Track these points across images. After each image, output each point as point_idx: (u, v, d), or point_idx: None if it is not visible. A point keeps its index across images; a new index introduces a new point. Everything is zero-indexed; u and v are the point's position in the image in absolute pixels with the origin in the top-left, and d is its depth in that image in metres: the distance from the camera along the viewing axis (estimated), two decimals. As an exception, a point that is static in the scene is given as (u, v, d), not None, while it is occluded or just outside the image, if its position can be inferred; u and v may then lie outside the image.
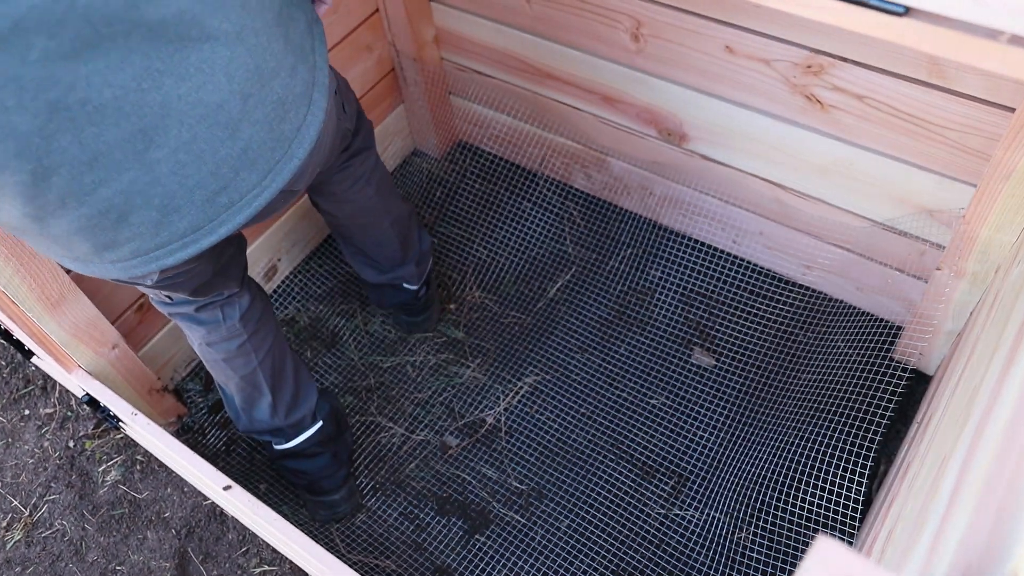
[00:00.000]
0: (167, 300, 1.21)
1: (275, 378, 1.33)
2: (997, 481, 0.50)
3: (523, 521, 1.44)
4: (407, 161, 1.98)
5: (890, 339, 1.51)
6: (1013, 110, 1.12)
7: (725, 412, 1.51)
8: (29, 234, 0.90)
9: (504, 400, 1.58)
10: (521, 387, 1.59)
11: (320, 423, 1.41)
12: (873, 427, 1.40)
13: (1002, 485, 0.48)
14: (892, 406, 1.41)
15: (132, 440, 1.63)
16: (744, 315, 1.62)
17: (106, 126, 0.78)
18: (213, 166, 0.86)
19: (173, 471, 1.58)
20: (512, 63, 1.68)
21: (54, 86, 0.74)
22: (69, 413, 1.69)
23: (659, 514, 1.42)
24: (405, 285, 1.58)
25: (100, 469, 1.61)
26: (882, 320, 1.54)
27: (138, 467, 1.60)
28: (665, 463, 1.47)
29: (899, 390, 1.42)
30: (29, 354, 1.42)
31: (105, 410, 1.36)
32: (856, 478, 1.35)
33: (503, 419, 1.55)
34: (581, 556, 1.39)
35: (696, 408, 1.53)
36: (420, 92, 1.83)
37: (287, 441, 1.39)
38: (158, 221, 0.87)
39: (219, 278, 1.17)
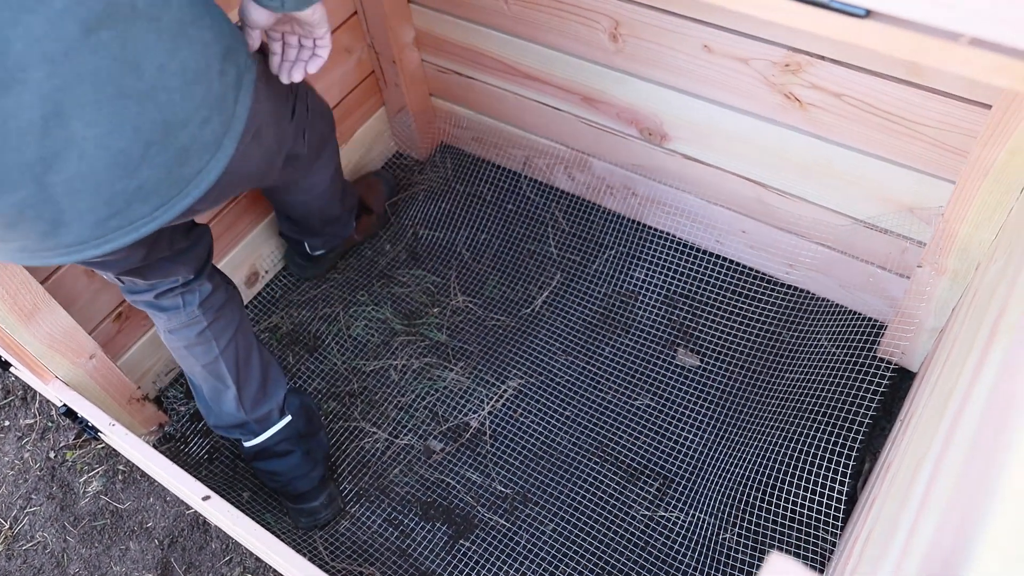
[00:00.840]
0: (121, 284, 1.24)
1: (239, 370, 1.36)
2: (963, 488, 0.50)
3: (508, 525, 1.43)
4: (389, 164, 1.97)
5: (874, 336, 1.51)
6: (990, 107, 1.11)
7: (710, 412, 1.51)
8: None
9: (488, 404, 1.57)
10: (505, 390, 1.58)
11: (289, 417, 1.41)
12: (857, 425, 1.39)
13: (967, 492, 0.48)
14: (876, 404, 1.40)
15: (114, 450, 1.62)
16: (728, 315, 1.62)
17: (7, 149, 0.82)
18: (108, 196, 0.90)
19: (155, 480, 1.56)
20: (492, 64, 1.67)
21: None
22: (50, 424, 1.68)
23: (644, 516, 1.42)
24: (307, 247, 1.71)
25: (81, 480, 1.60)
26: (866, 317, 1.54)
27: (120, 477, 1.59)
28: (650, 465, 1.47)
29: (883, 387, 1.42)
30: (7, 365, 1.40)
31: (83, 421, 1.35)
32: (840, 477, 1.35)
33: (487, 423, 1.55)
34: (566, 560, 1.39)
35: (681, 409, 1.52)
36: (401, 95, 1.82)
37: (255, 436, 1.40)
38: (46, 232, 0.91)
39: (167, 264, 1.21)
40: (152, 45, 0.86)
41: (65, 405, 1.35)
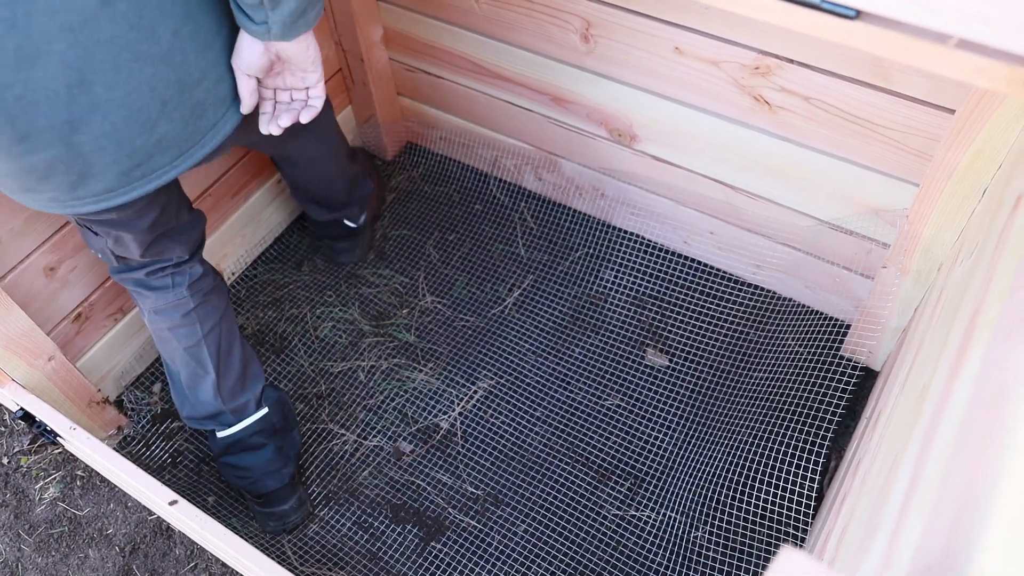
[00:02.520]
0: (114, 260, 1.27)
1: (220, 358, 1.35)
2: (952, 483, 0.50)
3: (479, 527, 1.43)
4: (356, 163, 1.95)
5: (839, 336, 1.54)
6: (953, 111, 1.14)
7: (679, 412, 1.52)
8: None
9: (458, 405, 1.56)
10: (475, 391, 1.57)
11: (265, 410, 1.40)
12: (825, 423, 1.42)
13: (958, 486, 0.49)
14: (843, 402, 1.43)
15: (71, 455, 1.57)
16: (696, 315, 1.63)
17: (37, 115, 0.90)
18: (130, 151, 0.98)
19: (115, 486, 1.52)
20: (462, 64, 1.66)
21: None
22: (3, 429, 1.62)
23: (615, 516, 1.42)
24: (346, 222, 1.69)
25: (37, 486, 1.54)
26: (831, 318, 1.57)
27: (78, 483, 1.54)
28: (621, 464, 1.47)
29: (849, 386, 1.44)
30: (-41, 368, 1.35)
31: (41, 425, 1.30)
32: (808, 474, 1.37)
33: (457, 424, 1.54)
34: (538, 560, 1.39)
35: (650, 409, 1.53)
36: (368, 93, 1.80)
37: (229, 427, 1.38)
38: (75, 183, 0.99)
39: (166, 240, 1.25)
40: (168, 11, 0.92)
41: (22, 409, 1.31)
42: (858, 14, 0.54)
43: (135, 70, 0.92)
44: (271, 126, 1.10)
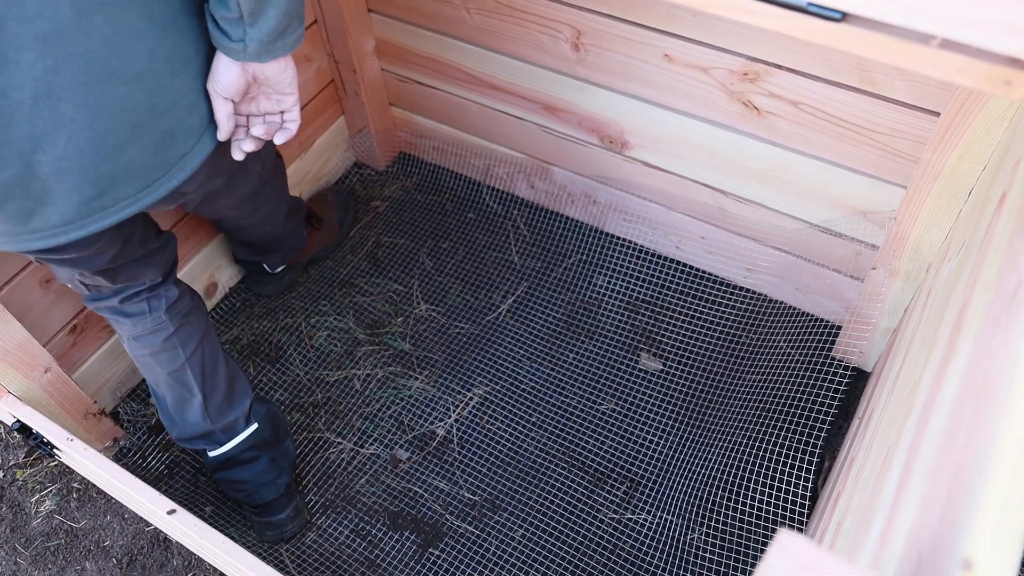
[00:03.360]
0: (85, 290, 1.23)
1: (205, 377, 1.33)
2: (943, 470, 0.52)
3: (477, 532, 1.43)
4: (349, 174, 1.96)
5: (830, 338, 1.55)
6: (938, 114, 1.16)
7: (673, 415, 1.53)
8: None
9: (454, 412, 1.57)
10: (471, 398, 1.58)
11: (255, 425, 1.39)
12: (817, 424, 1.43)
13: (948, 473, 0.50)
14: (835, 403, 1.44)
15: (68, 468, 1.57)
16: (689, 319, 1.65)
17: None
18: (93, 177, 0.92)
19: (112, 498, 1.52)
20: (453, 73, 1.68)
21: None
22: (-2, 442, 1.62)
23: (612, 519, 1.43)
24: (265, 266, 1.69)
25: (33, 499, 1.54)
26: (822, 320, 1.58)
27: (75, 495, 1.54)
28: (616, 468, 1.48)
29: (841, 387, 1.46)
30: (-46, 381, 1.35)
31: (38, 437, 1.31)
32: (803, 474, 1.38)
33: (454, 430, 1.54)
34: (536, 565, 1.39)
35: (645, 412, 1.54)
36: (361, 104, 1.82)
37: (220, 446, 1.37)
38: (30, 211, 0.93)
39: (137, 265, 1.21)
40: (144, 29, 0.87)
41: (18, 421, 1.31)
42: (844, 16, 0.56)
43: (106, 89, 0.87)
44: (235, 151, 1.06)
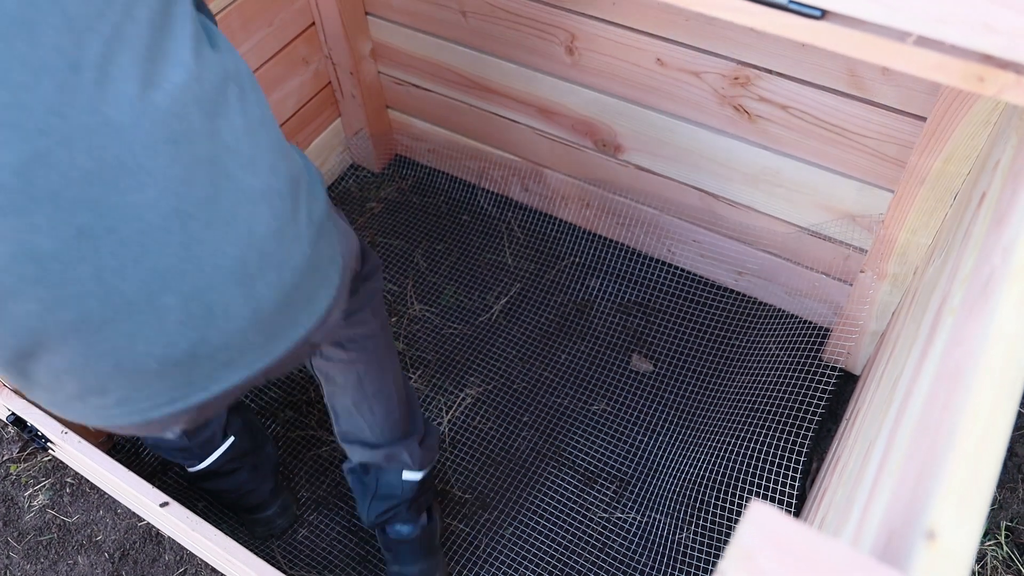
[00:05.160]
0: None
1: None
2: (916, 454, 0.53)
3: (467, 530, 1.44)
4: (344, 176, 1.98)
5: (819, 341, 1.57)
6: (925, 119, 1.18)
7: (663, 416, 1.55)
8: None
9: (448, 412, 1.58)
10: (464, 398, 1.59)
11: (232, 439, 1.37)
12: (805, 426, 1.45)
13: (920, 457, 0.51)
14: (822, 405, 1.46)
15: (61, 462, 1.57)
16: (680, 322, 1.66)
17: (127, 260, 0.71)
18: (222, 321, 0.78)
19: (105, 492, 1.53)
20: (449, 76, 1.69)
21: (87, 210, 0.68)
22: (-8, 437, 1.62)
23: (602, 518, 1.44)
24: (405, 475, 1.29)
25: (26, 494, 1.55)
26: (811, 323, 1.60)
27: (68, 490, 1.55)
28: (607, 468, 1.50)
29: (828, 390, 1.47)
30: (-50, 374, 1.36)
31: (32, 430, 1.31)
32: (791, 474, 1.39)
33: (446, 430, 1.55)
34: (526, 563, 1.40)
35: (635, 413, 1.55)
36: (357, 106, 1.84)
37: (199, 462, 1.35)
38: (156, 371, 0.78)
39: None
40: (268, 146, 0.78)
41: (13, 414, 1.31)
42: (824, 14, 0.58)
43: (234, 203, 0.75)
44: None
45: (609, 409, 1.56)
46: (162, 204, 0.70)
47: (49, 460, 1.58)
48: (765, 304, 1.65)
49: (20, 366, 0.78)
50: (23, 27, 0.63)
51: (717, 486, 1.44)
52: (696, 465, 1.47)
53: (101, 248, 0.69)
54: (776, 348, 1.57)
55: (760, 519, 0.39)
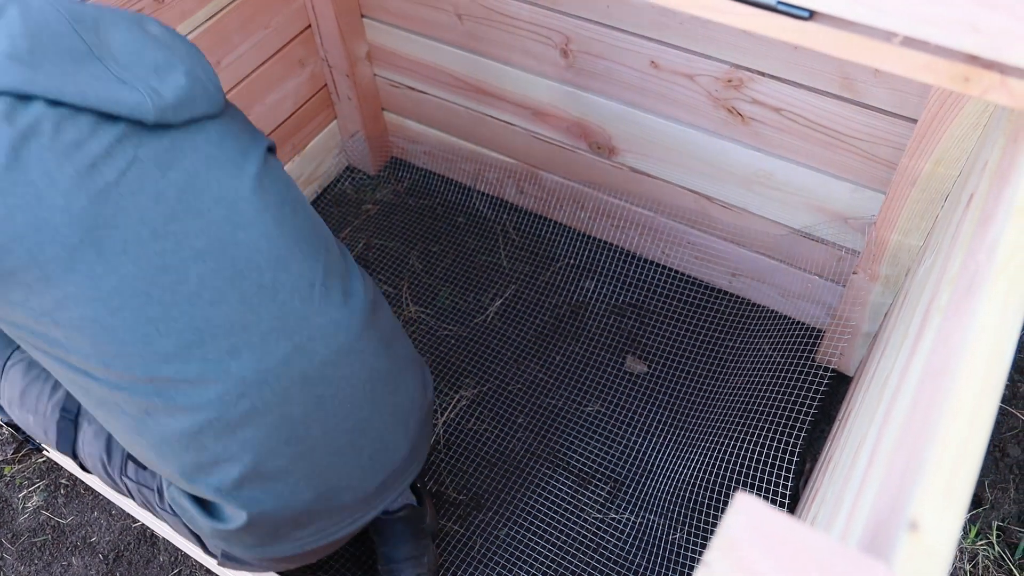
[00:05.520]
0: None
1: None
2: (902, 449, 0.54)
3: (461, 531, 1.44)
4: (340, 178, 1.98)
5: (812, 342, 1.58)
6: (916, 121, 1.19)
7: (657, 417, 1.55)
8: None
9: (442, 413, 1.58)
10: (459, 399, 1.60)
11: None
12: (798, 427, 1.45)
13: (906, 452, 0.52)
14: (815, 406, 1.47)
15: (55, 464, 1.57)
16: (674, 323, 1.67)
17: (338, 418, 1.01)
18: (395, 458, 1.10)
19: (100, 494, 1.53)
20: (445, 79, 1.70)
21: (324, 383, 0.99)
22: (-13, 438, 1.62)
23: (596, 519, 1.45)
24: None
25: (20, 495, 1.55)
26: (804, 324, 1.61)
27: (62, 491, 1.55)
28: (601, 469, 1.50)
29: (821, 391, 1.48)
30: (-56, 375, 1.36)
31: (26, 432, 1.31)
32: (784, 475, 1.40)
33: (441, 432, 1.56)
34: (520, 564, 1.40)
35: (630, 414, 1.56)
36: (353, 108, 1.84)
37: None
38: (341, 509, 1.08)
39: None
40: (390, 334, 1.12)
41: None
42: (812, 15, 0.59)
43: (402, 369, 1.09)
44: None
45: (603, 410, 1.57)
46: (362, 375, 1.01)
47: (43, 461, 1.58)
48: (758, 306, 1.66)
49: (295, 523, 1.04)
50: (279, 263, 0.94)
51: (711, 487, 1.44)
52: (690, 466, 1.47)
53: (326, 408, 0.98)
54: (770, 349, 1.58)
55: (746, 510, 0.40)
